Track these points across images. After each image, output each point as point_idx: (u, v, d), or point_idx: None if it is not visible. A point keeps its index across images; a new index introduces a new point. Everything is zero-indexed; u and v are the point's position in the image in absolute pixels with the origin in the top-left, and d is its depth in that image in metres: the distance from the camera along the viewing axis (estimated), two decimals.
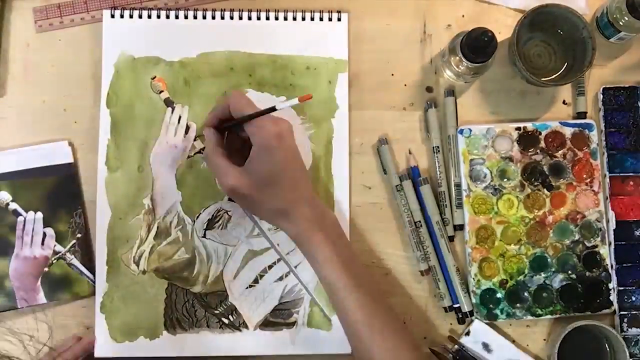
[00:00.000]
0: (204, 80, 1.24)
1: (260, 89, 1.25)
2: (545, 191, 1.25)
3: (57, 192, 1.22)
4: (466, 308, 1.24)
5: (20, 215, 1.22)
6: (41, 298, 1.21)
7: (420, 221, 1.25)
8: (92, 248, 1.23)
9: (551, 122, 1.26)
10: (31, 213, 1.22)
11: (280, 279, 1.23)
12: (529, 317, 1.24)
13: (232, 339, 1.21)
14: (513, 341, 1.25)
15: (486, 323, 1.24)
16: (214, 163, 1.11)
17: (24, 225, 1.22)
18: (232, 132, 1.16)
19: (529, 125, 1.26)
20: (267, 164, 1.07)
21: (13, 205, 1.22)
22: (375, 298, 1.12)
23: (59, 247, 1.22)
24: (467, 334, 1.24)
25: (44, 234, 1.22)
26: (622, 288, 1.25)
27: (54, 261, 1.22)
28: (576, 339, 1.21)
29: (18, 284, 1.21)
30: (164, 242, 1.21)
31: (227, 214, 1.23)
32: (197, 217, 1.23)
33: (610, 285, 1.25)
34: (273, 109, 1.04)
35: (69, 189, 1.23)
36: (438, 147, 1.25)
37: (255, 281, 1.22)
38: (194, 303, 1.21)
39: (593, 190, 1.26)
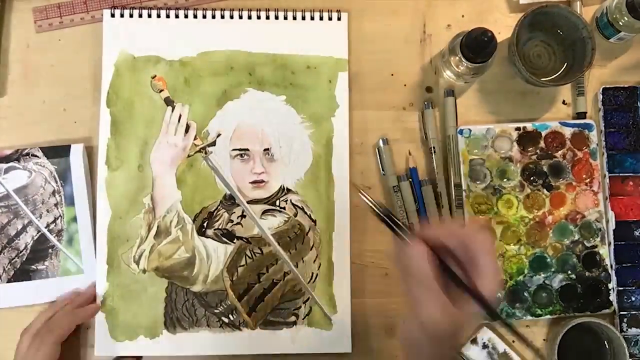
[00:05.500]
0: (204, 79, 1.25)
1: (261, 88, 1.25)
2: (545, 191, 1.26)
3: None
4: None
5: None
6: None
7: (412, 223, 1.25)
8: None
9: (551, 122, 1.27)
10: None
11: (280, 279, 1.23)
12: (529, 317, 1.24)
13: (232, 338, 1.22)
14: (513, 341, 1.25)
15: (491, 330, 1.25)
16: (421, 278, 0.86)
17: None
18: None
19: (529, 126, 1.26)
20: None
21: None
22: None
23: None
24: (474, 341, 1.24)
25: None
26: (621, 288, 1.25)
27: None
28: (576, 338, 1.21)
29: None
30: (164, 241, 1.21)
31: (227, 213, 1.23)
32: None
33: (610, 286, 1.25)
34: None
35: None
36: (434, 147, 1.25)
37: (256, 280, 1.22)
38: (194, 302, 1.21)
39: (593, 191, 1.26)
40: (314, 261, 1.23)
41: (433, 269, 0.86)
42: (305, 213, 1.24)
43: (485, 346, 1.24)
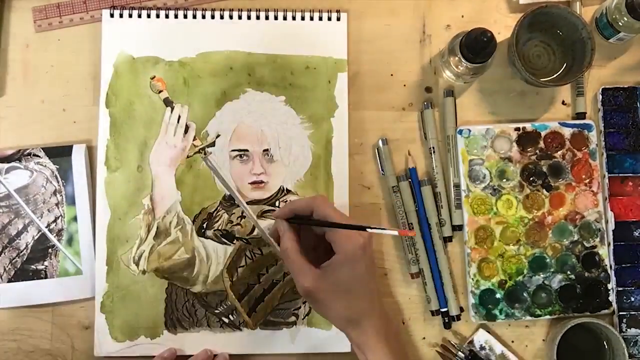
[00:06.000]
0: (203, 80, 1.24)
1: (260, 88, 1.25)
2: (545, 191, 1.25)
3: None
4: (454, 312, 1.25)
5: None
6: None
7: (412, 223, 1.25)
8: None
9: (550, 123, 1.27)
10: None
11: (280, 279, 1.23)
12: (528, 318, 1.24)
13: (233, 338, 1.22)
14: (512, 341, 1.25)
15: (488, 332, 1.25)
16: (291, 260, 1.07)
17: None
18: (307, 228, 1.11)
19: (528, 126, 1.26)
20: (348, 273, 1.04)
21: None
22: None
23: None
24: (471, 342, 1.24)
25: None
26: (621, 288, 1.25)
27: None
28: (575, 338, 1.21)
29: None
30: (164, 242, 1.21)
31: (227, 213, 1.23)
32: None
33: (609, 286, 1.25)
34: (363, 228, 1.02)
35: None
36: (434, 147, 1.26)
37: (256, 281, 1.23)
38: (194, 303, 1.21)
39: (592, 191, 1.26)
40: None
41: (296, 246, 1.07)
42: None
43: (482, 348, 1.24)
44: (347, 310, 1.07)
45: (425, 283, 1.25)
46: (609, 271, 1.26)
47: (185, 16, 1.25)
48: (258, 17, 1.26)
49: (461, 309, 1.25)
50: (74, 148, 1.23)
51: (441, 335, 1.26)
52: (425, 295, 1.25)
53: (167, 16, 1.25)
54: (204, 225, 1.23)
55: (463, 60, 1.18)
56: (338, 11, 1.27)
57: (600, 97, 1.28)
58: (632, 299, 1.25)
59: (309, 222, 1.09)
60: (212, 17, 1.26)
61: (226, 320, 1.22)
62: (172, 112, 1.23)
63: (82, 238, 1.22)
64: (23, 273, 1.22)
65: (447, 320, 1.25)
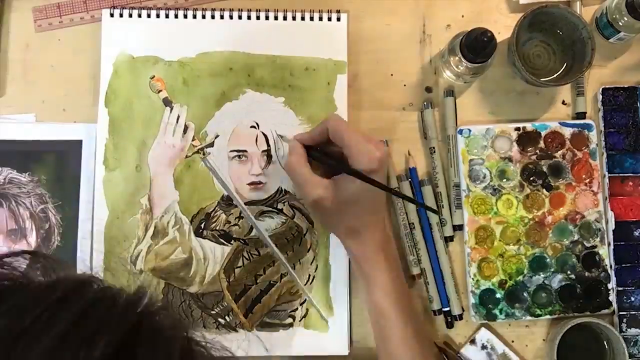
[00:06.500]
0: (202, 80, 1.24)
1: (259, 89, 1.25)
2: (545, 191, 1.25)
3: None
4: (456, 311, 1.25)
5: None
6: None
7: (413, 223, 1.25)
8: None
9: (550, 123, 1.26)
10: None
11: (277, 280, 1.23)
12: (528, 318, 1.24)
13: (229, 340, 1.21)
14: (512, 341, 1.25)
15: (490, 330, 1.25)
16: (299, 172, 1.09)
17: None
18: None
19: (529, 126, 1.26)
20: (361, 185, 1.06)
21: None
22: (419, 337, 1.11)
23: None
24: (472, 341, 1.24)
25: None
26: (621, 288, 1.25)
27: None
28: (575, 338, 1.21)
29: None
30: (161, 242, 1.21)
31: (225, 214, 1.23)
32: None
33: (610, 286, 1.25)
34: (370, 180, 1.06)
35: None
36: (434, 147, 1.25)
37: (253, 282, 1.23)
38: (190, 303, 1.21)
39: (592, 191, 1.26)
40: (311, 263, 1.23)
41: (303, 160, 1.10)
42: (303, 215, 1.24)
43: (484, 347, 1.24)
44: (351, 221, 1.11)
45: (427, 283, 1.24)
46: (609, 271, 1.25)
47: (185, 16, 1.25)
48: (258, 17, 1.26)
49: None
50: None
51: (441, 335, 1.26)
52: (428, 295, 1.25)
53: (167, 16, 1.25)
54: (202, 226, 1.22)
55: (463, 60, 1.18)
56: (338, 11, 1.27)
57: (600, 97, 1.27)
58: (632, 299, 1.25)
59: (318, 152, 1.13)
60: (212, 17, 1.26)
61: (222, 321, 1.21)
62: (171, 112, 1.23)
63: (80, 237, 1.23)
64: None
65: (449, 320, 1.25)
